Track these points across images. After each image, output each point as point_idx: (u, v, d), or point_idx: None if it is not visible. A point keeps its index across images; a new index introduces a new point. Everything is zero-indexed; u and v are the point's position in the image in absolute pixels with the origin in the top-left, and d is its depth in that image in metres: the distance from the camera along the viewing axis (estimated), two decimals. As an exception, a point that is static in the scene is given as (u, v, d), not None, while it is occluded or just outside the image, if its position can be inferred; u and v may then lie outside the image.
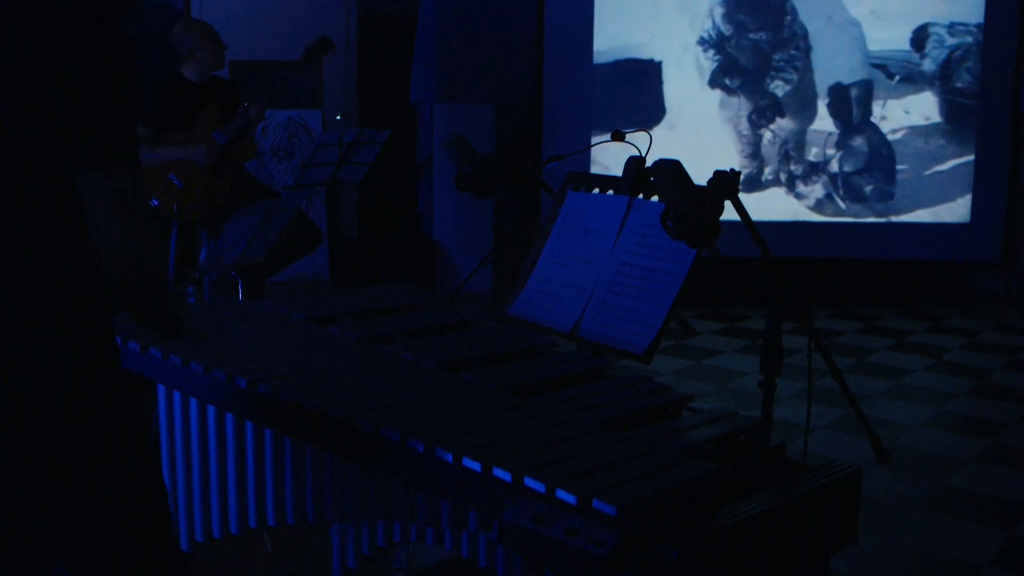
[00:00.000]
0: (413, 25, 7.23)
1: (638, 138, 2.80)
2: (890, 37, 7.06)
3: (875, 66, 7.07)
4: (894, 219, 7.09)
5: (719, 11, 7.00)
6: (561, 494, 1.60)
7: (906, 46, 7.07)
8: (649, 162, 2.59)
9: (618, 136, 2.93)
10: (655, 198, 2.58)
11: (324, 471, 2.06)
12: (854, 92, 7.08)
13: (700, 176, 2.35)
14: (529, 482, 1.64)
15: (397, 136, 6.01)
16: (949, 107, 7.10)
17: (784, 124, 7.08)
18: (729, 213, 2.46)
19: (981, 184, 7.08)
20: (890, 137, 7.07)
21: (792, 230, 7.06)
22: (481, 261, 6.06)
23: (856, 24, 7.04)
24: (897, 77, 7.06)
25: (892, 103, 7.09)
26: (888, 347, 6.02)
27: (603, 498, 1.56)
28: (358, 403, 1.97)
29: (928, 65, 7.08)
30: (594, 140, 6.82)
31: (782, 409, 4.27)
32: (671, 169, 2.26)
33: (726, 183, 2.41)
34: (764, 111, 7.07)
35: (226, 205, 4.90)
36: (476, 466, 1.72)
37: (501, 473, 1.68)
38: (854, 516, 1.84)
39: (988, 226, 7.11)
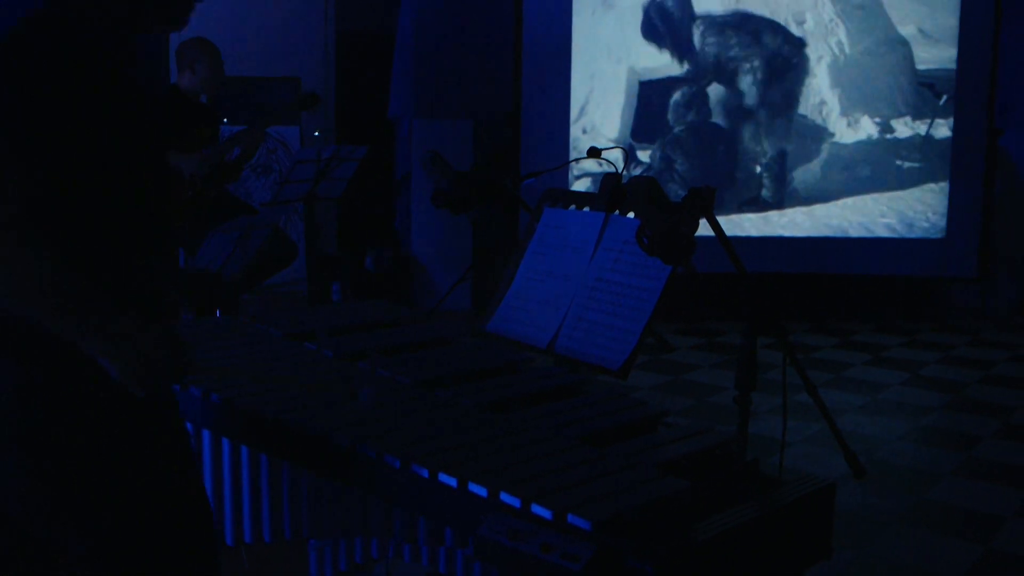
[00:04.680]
0: (391, 41, 7.24)
1: (614, 155, 2.82)
2: (938, 56, 7.06)
3: (923, 84, 7.06)
4: (877, 234, 7.14)
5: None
6: (536, 509, 1.61)
7: (953, 65, 7.05)
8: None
9: (594, 153, 2.95)
10: (631, 214, 2.59)
11: (301, 488, 2.05)
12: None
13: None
14: (505, 497, 1.65)
15: (375, 152, 6.01)
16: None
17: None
18: (705, 229, 2.47)
19: (957, 199, 7.14)
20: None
21: (768, 245, 7.10)
22: (460, 278, 6.07)
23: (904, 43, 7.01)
24: (945, 96, 7.07)
25: (939, 122, 7.08)
26: (864, 362, 6.06)
27: (578, 513, 1.57)
28: (335, 419, 1.97)
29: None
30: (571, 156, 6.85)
31: (758, 424, 4.28)
32: (645, 186, 2.27)
33: (700, 200, 2.42)
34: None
35: (204, 222, 4.91)
36: (452, 482, 1.73)
37: (477, 488, 1.69)
38: (828, 530, 1.86)
39: (963, 241, 7.17)
